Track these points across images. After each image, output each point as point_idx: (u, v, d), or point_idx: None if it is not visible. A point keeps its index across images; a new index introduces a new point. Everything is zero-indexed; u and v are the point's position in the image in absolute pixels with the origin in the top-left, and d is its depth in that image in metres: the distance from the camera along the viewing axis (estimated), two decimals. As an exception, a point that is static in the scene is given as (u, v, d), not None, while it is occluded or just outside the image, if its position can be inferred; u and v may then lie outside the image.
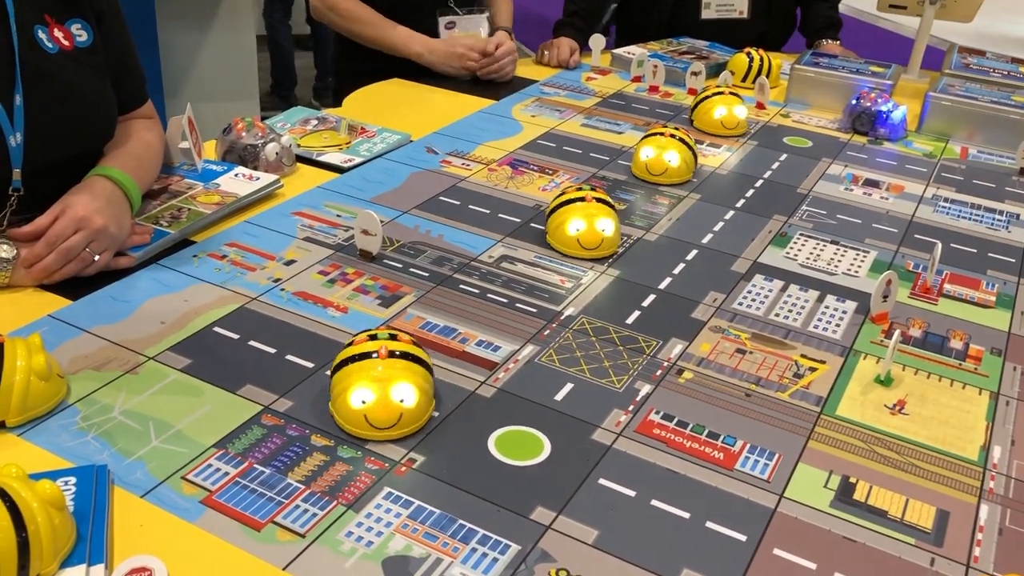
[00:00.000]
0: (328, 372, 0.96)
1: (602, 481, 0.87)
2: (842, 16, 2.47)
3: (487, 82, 2.05)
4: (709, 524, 0.83)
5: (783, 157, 1.72)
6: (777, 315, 1.18)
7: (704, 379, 1.04)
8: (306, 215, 1.36)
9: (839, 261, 1.33)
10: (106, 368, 0.98)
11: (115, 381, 0.96)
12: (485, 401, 0.98)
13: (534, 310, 1.15)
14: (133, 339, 1.04)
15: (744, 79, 2.13)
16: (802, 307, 1.20)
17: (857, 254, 1.35)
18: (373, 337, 0.92)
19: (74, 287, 1.12)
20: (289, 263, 1.22)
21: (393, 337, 0.92)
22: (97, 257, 1.13)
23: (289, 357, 1.02)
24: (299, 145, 1.59)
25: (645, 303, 1.18)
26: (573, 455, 0.90)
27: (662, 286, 1.23)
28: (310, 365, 1.01)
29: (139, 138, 1.30)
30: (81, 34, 1.21)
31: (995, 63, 2.17)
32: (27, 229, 1.10)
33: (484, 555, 0.78)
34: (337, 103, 2.22)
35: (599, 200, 1.28)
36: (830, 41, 2.40)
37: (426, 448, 0.90)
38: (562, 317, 1.14)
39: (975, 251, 1.39)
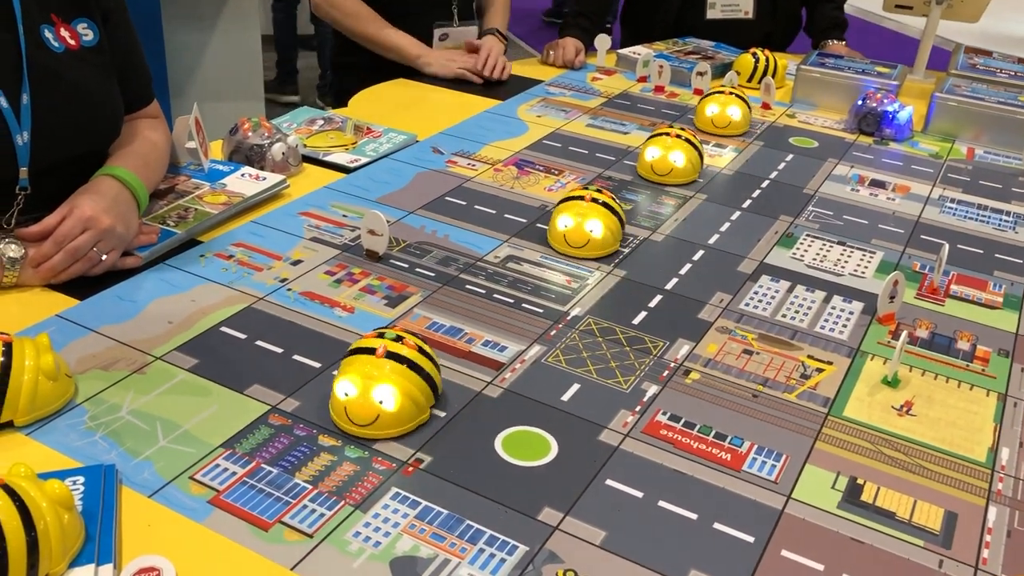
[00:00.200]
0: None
1: (609, 482, 0.87)
2: (847, 16, 2.47)
3: (492, 82, 2.05)
4: (717, 525, 0.83)
5: (789, 157, 1.72)
6: (784, 316, 1.17)
7: (711, 380, 1.04)
8: (312, 215, 1.36)
9: (846, 262, 1.33)
10: (114, 368, 0.99)
11: (123, 381, 0.97)
12: (492, 401, 0.98)
13: (540, 310, 1.15)
14: (140, 339, 1.04)
15: (750, 79, 2.13)
16: (809, 308, 1.20)
17: (864, 255, 1.35)
18: (381, 335, 0.93)
19: (81, 287, 1.12)
20: (296, 263, 1.22)
21: (399, 339, 0.92)
22: (104, 257, 1.13)
23: (296, 357, 1.03)
24: (305, 145, 1.59)
25: (652, 304, 1.18)
26: (580, 456, 0.90)
27: (668, 287, 1.23)
28: (317, 365, 1.01)
29: (145, 138, 1.30)
30: (87, 33, 1.21)
31: (1002, 63, 2.17)
32: (35, 229, 1.10)
33: (492, 556, 0.78)
34: (336, 99, 2.22)
35: (597, 201, 1.28)
36: (836, 41, 2.40)
37: (433, 448, 0.90)
38: (568, 317, 1.14)
39: (982, 252, 1.39)
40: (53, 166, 1.17)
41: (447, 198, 1.45)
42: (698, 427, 0.96)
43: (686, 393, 1.01)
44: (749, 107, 1.83)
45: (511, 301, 1.17)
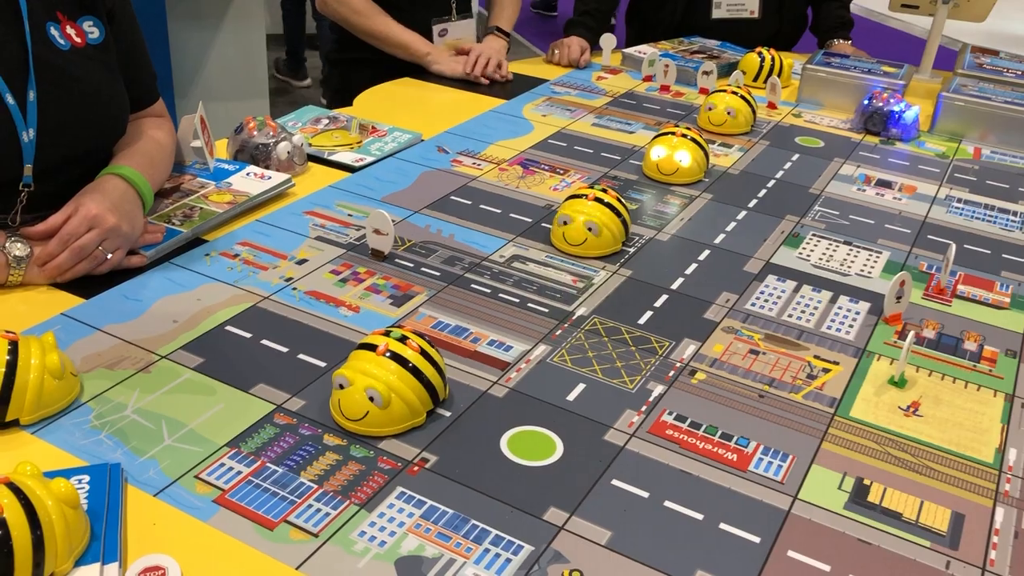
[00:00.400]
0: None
1: (615, 482, 0.87)
2: (854, 16, 2.46)
3: (497, 81, 2.05)
4: (723, 526, 0.83)
5: (795, 157, 1.71)
6: (790, 316, 1.17)
7: (717, 380, 1.03)
8: (318, 214, 1.36)
9: (852, 262, 1.32)
10: (119, 367, 0.99)
11: (128, 380, 0.97)
12: (497, 401, 0.97)
13: (546, 310, 1.15)
14: (146, 338, 1.04)
15: (756, 79, 2.13)
16: (815, 308, 1.19)
17: (870, 255, 1.35)
18: (387, 333, 0.92)
19: (87, 285, 1.12)
20: (301, 262, 1.22)
21: (404, 340, 0.92)
22: (110, 255, 1.13)
23: (301, 356, 1.02)
24: (310, 144, 1.59)
25: (657, 303, 1.18)
26: (586, 456, 0.90)
27: (674, 286, 1.22)
28: (322, 364, 1.01)
29: (150, 137, 1.30)
30: (93, 31, 1.21)
31: (1008, 63, 2.16)
32: (40, 227, 1.10)
33: (497, 555, 0.78)
34: (332, 95, 2.22)
35: (601, 201, 1.28)
36: (842, 41, 2.39)
37: (439, 448, 0.90)
38: (574, 317, 1.14)
39: (989, 252, 1.39)
40: (58, 164, 1.17)
41: (452, 197, 1.45)
42: (704, 427, 0.95)
43: (692, 393, 1.01)
44: (752, 106, 1.82)
45: (516, 301, 1.16)
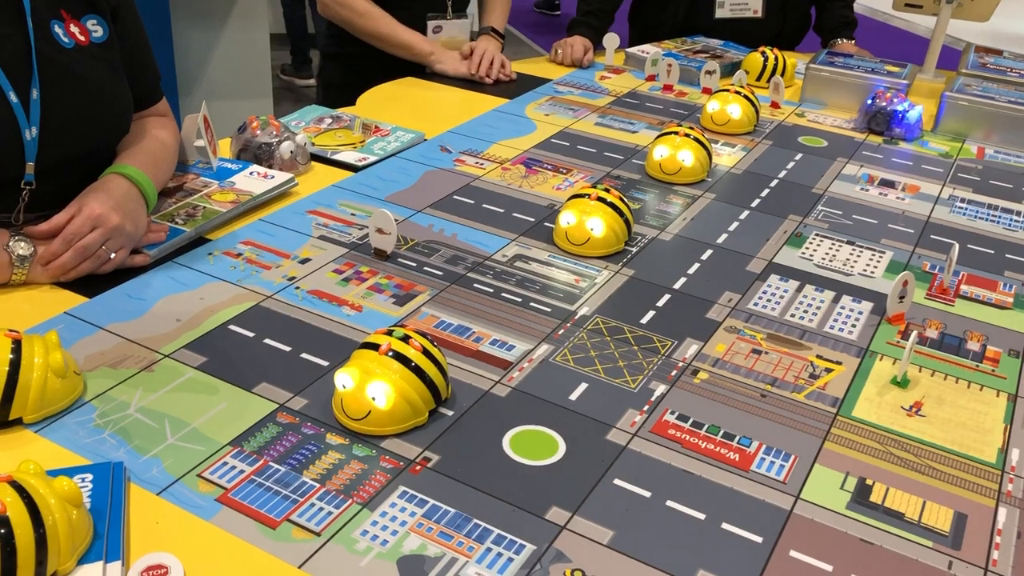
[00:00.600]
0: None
1: (617, 481, 0.87)
2: (857, 15, 2.46)
3: (500, 81, 2.05)
4: (725, 525, 0.83)
5: (798, 157, 1.71)
6: (793, 315, 1.17)
7: (719, 379, 1.03)
8: (321, 214, 1.36)
9: (855, 261, 1.32)
10: (122, 365, 0.99)
11: (131, 378, 0.97)
12: (499, 400, 0.97)
13: (548, 309, 1.15)
14: (149, 337, 1.04)
15: (759, 78, 2.13)
16: (818, 307, 1.19)
17: (873, 254, 1.35)
18: (390, 333, 0.93)
19: (90, 284, 1.12)
20: (304, 261, 1.22)
21: (406, 339, 0.92)
22: (113, 255, 1.13)
23: (304, 355, 1.03)
24: (313, 144, 1.59)
25: (660, 303, 1.18)
26: (588, 455, 0.90)
27: (677, 286, 1.22)
28: (325, 363, 1.01)
29: (154, 136, 1.31)
30: (97, 30, 1.21)
31: (1012, 63, 2.16)
32: (44, 227, 1.11)
33: (499, 555, 0.78)
34: (324, 91, 2.21)
35: (604, 201, 1.28)
36: (845, 40, 2.39)
37: (441, 447, 0.90)
38: (576, 316, 1.14)
39: (992, 252, 1.38)
40: (61, 163, 1.17)
41: (455, 197, 1.45)
42: (706, 427, 0.95)
43: (694, 393, 1.01)
44: (755, 105, 1.82)
45: (519, 300, 1.17)
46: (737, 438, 0.94)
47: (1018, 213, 1.53)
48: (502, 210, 1.41)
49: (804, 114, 1.97)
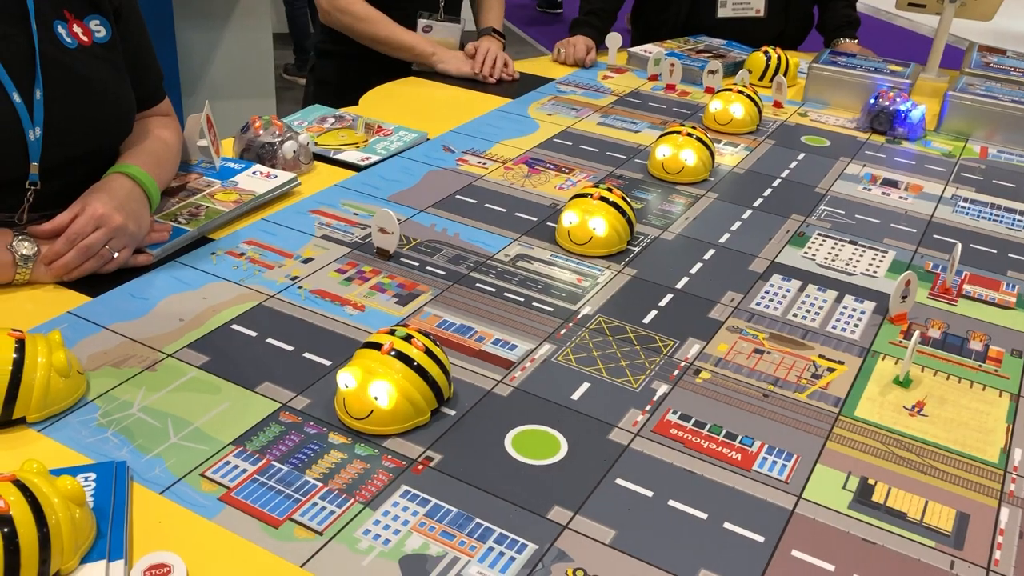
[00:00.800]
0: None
1: (619, 481, 0.87)
2: (860, 15, 2.46)
3: (503, 80, 2.06)
4: (727, 525, 0.83)
5: (801, 156, 1.71)
6: (795, 315, 1.17)
7: (722, 379, 1.03)
8: (323, 213, 1.36)
9: (857, 261, 1.32)
10: (125, 365, 0.99)
11: (134, 378, 0.97)
12: (502, 400, 0.98)
13: (551, 309, 1.15)
14: (152, 336, 1.04)
15: (761, 78, 2.13)
16: (820, 307, 1.19)
17: (875, 254, 1.35)
18: (393, 332, 0.93)
19: (93, 284, 1.13)
20: (306, 261, 1.22)
21: (409, 339, 0.92)
22: (116, 254, 1.13)
23: (307, 355, 1.03)
24: (316, 143, 1.59)
25: (662, 302, 1.18)
26: (590, 455, 0.90)
27: (679, 286, 1.22)
28: (327, 363, 1.01)
29: (157, 136, 1.31)
30: (99, 30, 1.21)
31: (1016, 62, 2.16)
32: (47, 226, 1.11)
33: (501, 554, 0.78)
34: (316, 86, 2.21)
35: (606, 200, 1.28)
36: (848, 40, 2.39)
37: (443, 447, 0.90)
38: (579, 316, 1.14)
39: (995, 252, 1.38)
40: (64, 162, 1.17)
41: (458, 196, 1.45)
42: (708, 426, 0.95)
43: (696, 392, 1.01)
44: (758, 105, 1.82)
45: (521, 300, 1.17)
46: (739, 438, 0.94)
47: (1021, 213, 1.53)
48: (504, 210, 1.41)
49: (807, 114, 1.97)
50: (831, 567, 0.79)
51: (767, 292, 1.22)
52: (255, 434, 0.90)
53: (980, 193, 1.60)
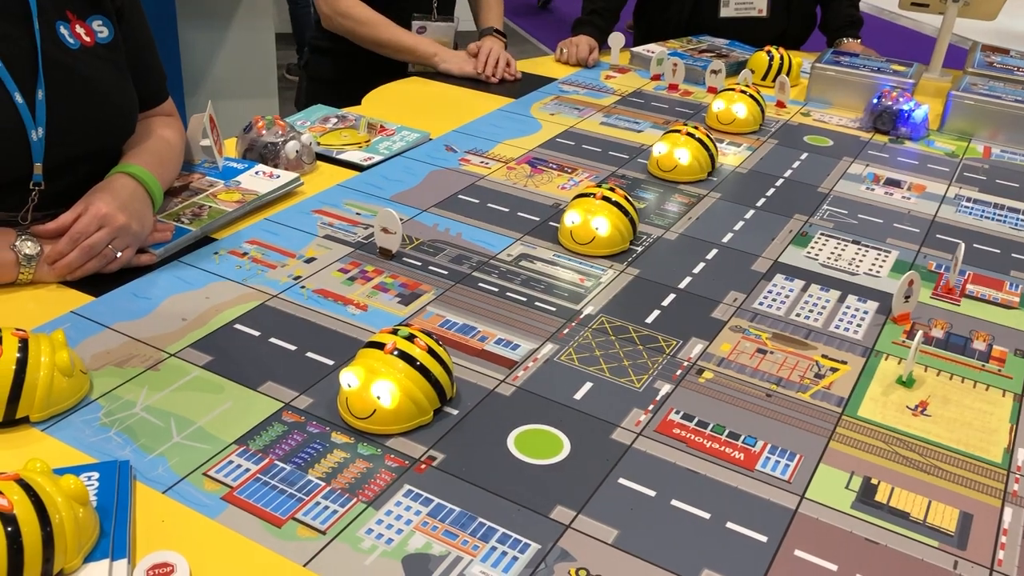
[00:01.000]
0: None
1: (622, 481, 0.87)
2: (863, 14, 2.46)
3: (506, 80, 2.06)
4: (730, 525, 0.83)
5: (803, 156, 1.71)
6: (798, 315, 1.17)
7: (724, 379, 1.03)
8: (326, 213, 1.36)
9: (860, 261, 1.32)
10: (128, 364, 0.99)
11: (137, 377, 0.97)
12: (504, 399, 0.98)
13: (553, 309, 1.15)
14: (155, 336, 1.04)
15: (764, 77, 2.13)
16: (823, 307, 1.19)
17: (879, 254, 1.34)
18: (395, 332, 0.93)
19: (96, 284, 1.13)
20: (309, 261, 1.22)
21: (412, 338, 0.92)
22: (119, 254, 1.14)
23: (309, 354, 1.03)
24: (319, 143, 1.59)
25: (665, 302, 1.18)
26: (593, 454, 0.90)
27: (682, 285, 1.22)
28: (330, 362, 1.02)
29: (159, 136, 1.31)
30: (102, 30, 1.21)
31: (1019, 61, 2.16)
32: (50, 226, 1.11)
33: (504, 554, 0.78)
34: (309, 82, 2.21)
35: (609, 200, 1.28)
36: (851, 39, 2.39)
37: (446, 446, 0.90)
38: (581, 316, 1.14)
39: (998, 251, 1.38)
40: (67, 162, 1.17)
41: (460, 196, 1.45)
42: (711, 426, 0.95)
43: (699, 392, 1.01)
44: (760, 105, 1.82)
45: (524, 299, 1.17)
46: (742, 437, 0.94)
47: (1024, 212, 1.53)
48: (507, 209, 1.41)
49: (810, 113, 1.96)
50: (834, 567, 0.79)
51: (770, 292, 1.22)
52: (258, 433, 0.90)
53: (983, 193, 1.60)
